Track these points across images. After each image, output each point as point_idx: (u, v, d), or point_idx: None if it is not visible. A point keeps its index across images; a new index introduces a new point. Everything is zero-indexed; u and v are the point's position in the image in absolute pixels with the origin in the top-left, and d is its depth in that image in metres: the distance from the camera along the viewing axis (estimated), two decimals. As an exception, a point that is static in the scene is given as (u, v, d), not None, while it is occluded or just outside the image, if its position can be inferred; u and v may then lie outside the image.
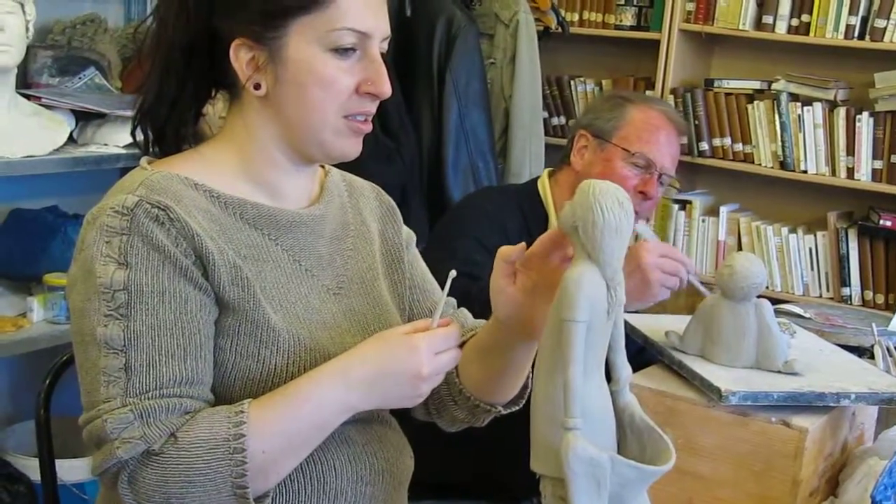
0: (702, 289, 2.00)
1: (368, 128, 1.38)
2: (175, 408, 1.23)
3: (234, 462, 1.20)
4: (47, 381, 1.74)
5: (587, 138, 2.26)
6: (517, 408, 1.48)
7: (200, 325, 1.27)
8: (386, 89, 1.35)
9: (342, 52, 1.32)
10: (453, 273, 1.34)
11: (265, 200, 1.38)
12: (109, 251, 1.25)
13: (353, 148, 1.38)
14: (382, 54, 1.37)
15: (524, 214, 2.24)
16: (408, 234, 1.59)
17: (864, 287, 3.58)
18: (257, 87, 1.34)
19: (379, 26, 1.35)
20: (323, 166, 1.51)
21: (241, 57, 1.33)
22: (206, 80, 1.39)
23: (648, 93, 3.90)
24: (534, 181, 2.36)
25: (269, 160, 1.38)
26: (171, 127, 1.40)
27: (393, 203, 1.59)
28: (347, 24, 1.31)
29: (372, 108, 1.37)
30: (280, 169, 1.39)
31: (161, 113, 1.38)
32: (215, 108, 1.43)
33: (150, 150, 1.41)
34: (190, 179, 1.34)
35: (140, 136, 1.41)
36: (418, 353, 1.27)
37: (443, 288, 1.33)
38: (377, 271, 1.50)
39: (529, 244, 2.13)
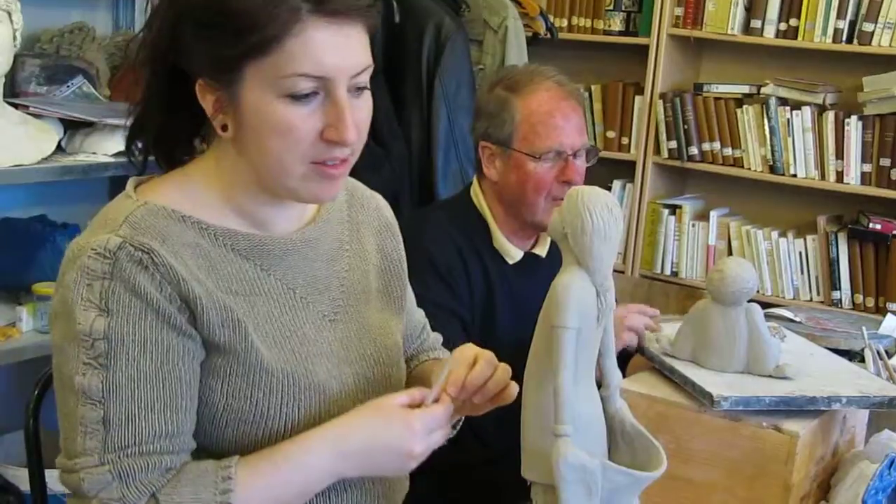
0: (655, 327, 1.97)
1: (342, 171, 1.29)
2: (155, 466, 1.20)
3: None
4: (36, 392, 1.73)
5: (490, 148, 2.21)
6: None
7: (182, 372, 1.23)
8: (348, 137, 1.24)
9: (300, 97, 1.22)
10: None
11: (255, 230, 1.33)
12: (90, 295, 1.20)
13: (326, 192, 1.30)
14: (362, 87, 1.27)
15: (465, 234, 2.18)
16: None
17: (854, 290, 3.59)
18: (224, 128, 1.27)
19: (342, 67, 1.23)
20: None
21: (207, 97, 1.27)
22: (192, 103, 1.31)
23: (638, 98, 3.91)
24: (466, 190, 2.30)
25: (248, 195, 1.32)
26: (167, 138, 1.35)
27: (393, 219, 1.55)
28: (299, 70, 1.21)
29: (342, 153, 1.26)
30: (262, 202, 1.33)
31: (155, 123, 1.33)
32: None
33: (147, 159, 1.36)
34: (177, 212, 1.28)
35: (136, 155, 1.36)
36: (413, 433, 1.26)
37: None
38: (371, 293, 1.45)
39: (478, 263, 2.14)
